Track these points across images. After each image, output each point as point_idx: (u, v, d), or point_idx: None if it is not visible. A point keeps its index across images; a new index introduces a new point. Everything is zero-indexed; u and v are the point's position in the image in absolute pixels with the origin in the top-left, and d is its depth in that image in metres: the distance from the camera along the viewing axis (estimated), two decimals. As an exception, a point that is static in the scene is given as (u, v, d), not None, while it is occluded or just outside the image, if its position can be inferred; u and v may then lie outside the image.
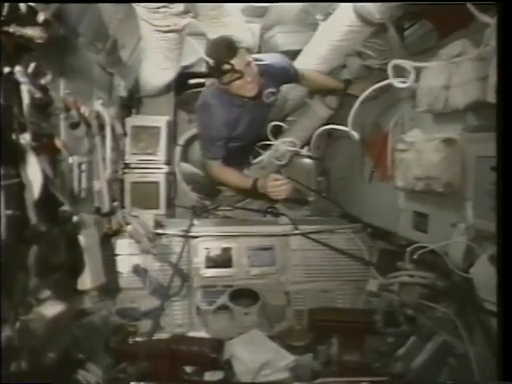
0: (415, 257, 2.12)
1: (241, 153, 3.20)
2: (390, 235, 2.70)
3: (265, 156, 3.45)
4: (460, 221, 1.93)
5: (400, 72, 1.91)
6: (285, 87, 3.22)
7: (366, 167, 2.96)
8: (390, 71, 1.79)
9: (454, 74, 1.86)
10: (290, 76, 2.89)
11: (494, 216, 1.69)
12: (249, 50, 2.44)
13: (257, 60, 2.59)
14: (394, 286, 2.36)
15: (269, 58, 2.79)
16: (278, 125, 3.13)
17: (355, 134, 2.17)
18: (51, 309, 1.48)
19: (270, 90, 2.71)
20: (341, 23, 2.41)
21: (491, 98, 1.61)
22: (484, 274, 1.72)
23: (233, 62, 2.32)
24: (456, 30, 1.97)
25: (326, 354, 2.47)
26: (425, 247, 2.08)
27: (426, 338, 2.19)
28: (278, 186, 2.38)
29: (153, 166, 3.30)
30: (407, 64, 1.76)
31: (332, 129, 2.59)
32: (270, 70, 2.69)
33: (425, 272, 2.17)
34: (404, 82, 1.85)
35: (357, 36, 2.43)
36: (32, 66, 1.39)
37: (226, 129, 2.72)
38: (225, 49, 2.33)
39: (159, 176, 3.33)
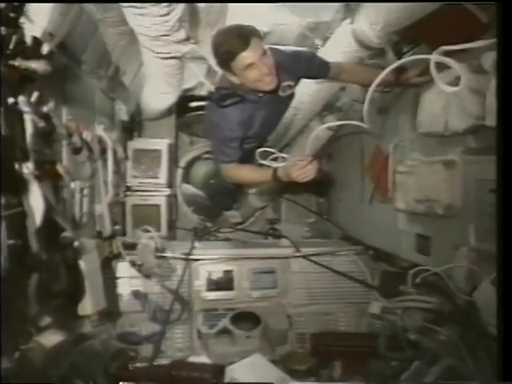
0: (418, 280, 2.11)
1: (254, 154, 2.84)
2: (391, 257, 2.69)
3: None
4: (462, 243, 1.93)
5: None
6: (288, 115, 3.06)
7: (367, 189, 2.97)
8: (432, 69, 1.67)
9: (452, 97, 1.88)
10: (314, 70, 2.51)
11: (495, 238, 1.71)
12: (262, 38, 2.11)
13: (273, 50, 2.28)
14: (397, 309, 2.34)
15: (287, 49, 2.48)
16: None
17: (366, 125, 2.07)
18: (51, 338, 1.47)
19: (287, 82, 2.41)
20: (339, 47, 2.44)
21: (490, 121, 1.63)
22: (487, 298, 1.71)
23: (245, 53, 2.02)
24: (454, 54, 1.99)
25: (329, 378, 2.44)
26: (428, 270, 2.08)
27: (430, 362, 2.16)
28: (303, 168, 2.08)
29: (154, 189, 3.31)
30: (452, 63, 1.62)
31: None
32: (287, 62, 2.37)
33: (428, 296, 2.15)
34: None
35: (355, 60, 2.45)
36: (35, 95, 1.40)
37: (240, 128, 2.44)
38: (236, 39, 2.03)
39: (160, 199, 3.34)
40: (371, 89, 1.89)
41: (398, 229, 2.50)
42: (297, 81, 2.54)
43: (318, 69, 2.50)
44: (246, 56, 2.03)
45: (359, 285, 2.85)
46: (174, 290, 2.71)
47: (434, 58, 1.52)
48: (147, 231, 2.73)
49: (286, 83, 2.40)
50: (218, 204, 3.87)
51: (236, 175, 2.61)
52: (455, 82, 1.82)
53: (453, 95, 1.86)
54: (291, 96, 2.60)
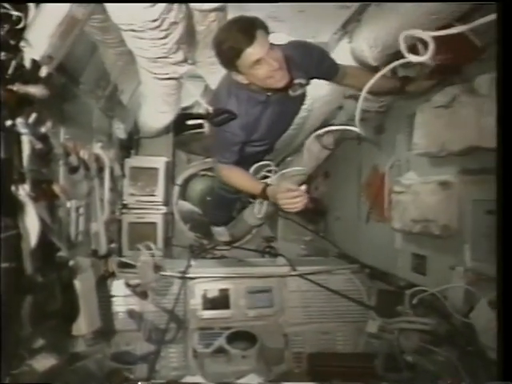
0: (415, 301, 2.10)
1: (260, 157, 2.74)
2: (387, 276, 2.69)
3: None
4: (458, 264, 1.93)
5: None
6: (297, 120, 2.84)
7: (363, 208, 2.97)
8: (402, 44, 1.63)
9: (448, 119, 1.90)
10: (324, 69, 2.27)
11: (493, 259, 1.71)
12: (268, 30, 1.89)
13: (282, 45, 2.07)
14: (394, 329, 2.33)
15: (296, 41, 2.22)
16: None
17: (361, 131, 2.02)
18: (43, 362, 1.45)
19: (299, 80, 2.17)
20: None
21: (486, 142, 1.65)
22: (484, 319, 1.71)
23: (251, 49, 1.81)
24: (449, 76, 2.02)
25: (327, 399, 2.41)
26: (424, 291, 2.07)
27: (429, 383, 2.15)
28: (292, 198, 1.93)
29: (151, 207, 3.31)
30: (424, 35, 1.54)
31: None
32: (298, 56, 2.11)
33: (425, 317, 2.14)
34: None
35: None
36: (33, 116, 1.41)
37: (243, 132, 2.24)
38: (240, 34, 1.83)
39: (157, 216, 3.33)
40: (364, 91, 1.85)
41: (394, 248, 2.51)
42: (308, 79, 2.29)
43: (327, 68, 2.29)
44: (253, 52, 1.83)
45: (356, 303, 2.84)
46: (169, 309, 2.69)
47: (405, 34, 1.47)
48: (149, 248, 2.72)
49: (297, 81, 2.19)
50: (211, 217, 3.80)
51: (228, 177, 2.46)
52: (451, 101, 1.86)
53: (449, 116, 1.88)
54: (302, 96, 2.38)
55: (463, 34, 1.81)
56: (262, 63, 1.88)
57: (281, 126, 2.52)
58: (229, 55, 1.89)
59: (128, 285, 2.70)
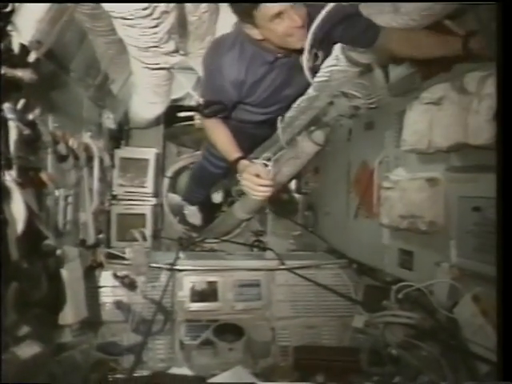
0: (400, 296, 2.12)
1: (261, 134, 2.48)
2: (375, 271, 2.71)
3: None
4: (444, 260, 1.95)
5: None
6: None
7: (352, 203, 2.99)
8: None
9: (436, 116, 1.91)
10: (358, 30, 1.83)
11: (477, 255, 1.73)
12: None
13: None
14: (379, 324, 2.35)
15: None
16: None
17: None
18: (27, 350, 1.44)
19: (316, 51, 1.86)
20: (328, 63, 2.46)
21: (473, 140, 1.67)
22: (468, 314, 1.74)
23: None
24: (438, 73, 2.04)
25: (311, 393, 2.43)
26: (410, 286, 2.09)
27: (411, 378, 2.17)
28: (256, 185, 1.76)
29: (140, 198, 3.30)
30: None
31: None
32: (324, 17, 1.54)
33: (410, 312, 2.16)
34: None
35: (343, 76, 2.48)
36: (21, 102, 1.40)
37: (235, 91, 2.00)
38: None
39: (146, 208, 3.32)
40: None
41: (381, 243, 2.52)
42: (328, 50, 1.94)
43: (364, 31, 1.83)
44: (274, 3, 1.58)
45: (343, 298, 2.86)
46: (157, 300, 2.69)
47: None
48: (143, 235, 2.74)
49: (314, 51, 1.87)
50: (187, 193, 3.69)
51: (211, 131, 2.22)
52: (440, 99, 1.87)
53: (437, 113, 1.89)
54: (313, 72, 2.00)
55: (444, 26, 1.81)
56: (283, 17, 1.65)
57: (282, 97, 2.25)
58: (245, 5, 1.66)
59: (116, 276, 2.69)
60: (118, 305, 2.67)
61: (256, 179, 1.79)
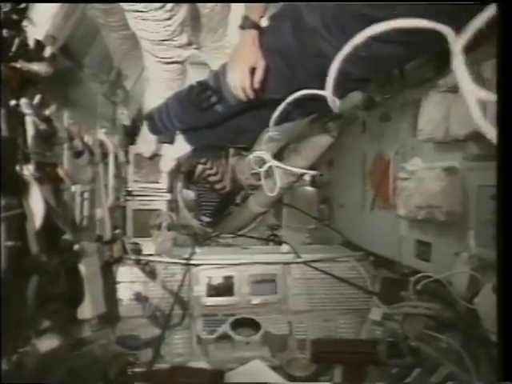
0: (419, 287, 2.10)
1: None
2: (392, 263, 2.68)
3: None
4: (463, 250, 1.92)
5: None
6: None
7: (368, 195, 2.96)
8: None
9: (453, 104, 1.88)
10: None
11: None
12: None
13: None
14: (397, 316, 2.34)
15: None
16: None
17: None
18: (47, 342, 1.46)
19: None
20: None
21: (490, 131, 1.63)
22: (488, 305, 1.70)
23: None
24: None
25: (329, 385, 2.43)
26: (429, 277, 2.07)
27: (431, 370, 2.14)
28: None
29: (155, 194, 3.30)
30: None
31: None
32: None
33: (429, 303, 2.14)
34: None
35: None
36: (37, 97, 1.41)
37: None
38: None
39: (161, 203, 3.33)
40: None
41: (398, 235, 2.50)
42: None
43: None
44: None
45: (360, 291, 2.84)
46: (175, 292, 2.71)
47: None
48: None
49: None
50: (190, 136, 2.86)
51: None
52: (457, 87, 1.84)
53: (454, 101, 1.87)
54: None
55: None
56: None
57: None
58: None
59: (138, 262, 2.73)
60: (137, 297, 2.70)
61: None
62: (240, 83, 1.73)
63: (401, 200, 2.28)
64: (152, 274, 2.75)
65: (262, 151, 2.65)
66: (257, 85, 1.73)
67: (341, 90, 1.63)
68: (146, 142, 3.05)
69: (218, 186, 4.11)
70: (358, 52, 1.31)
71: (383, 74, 2.27)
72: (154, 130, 2.82)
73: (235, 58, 1.75)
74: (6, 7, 1.14)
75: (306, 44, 1.68)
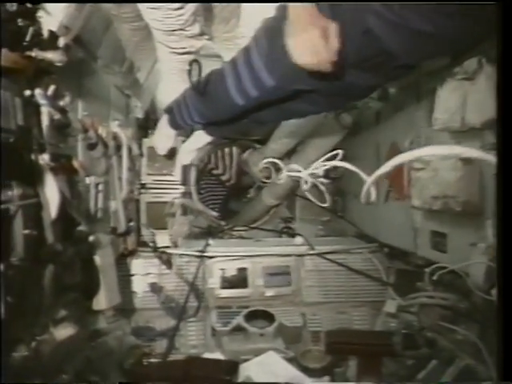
0: (435, 277, 2.08)
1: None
2: (407, 255, 2.66)
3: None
4: (480, 240, 1.89)
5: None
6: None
7: (382, 186, 2.94)
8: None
9: (469, 91, 1.85)
10: None
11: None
12: None
13: None
14: (413, 308, 2.31)
15: None
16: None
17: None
18: (62, 331, 1.47)
19: None
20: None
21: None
22: (506, 295, 1.68)
23: None
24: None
25: (344, 377, 2.42)
26: (445, 268, 2.04)
27: (447, 362, 2.12)
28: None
29: (168, 186, 3.32)
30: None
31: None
32: None
33: (445, 293, 2.12)
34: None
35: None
36: (51, 88, 1.41)
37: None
38: None
39: (175, 196, 3.34)
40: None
41: (413, 226, 2.47)
42: None
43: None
44: None
45: (374, 283, 2.83)
46: (190, 281, 2.74)
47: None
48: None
49: None
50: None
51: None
52: (474, 74, 1.81)
53: (470, 88, 1.83)
54: None
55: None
56: None
57: None
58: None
59: (155, 249, 2.77)
60: (152, 287, 2.72)
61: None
62: (313, 51, 1.33)
63: (416, 190, 2.25)
64: (168, 263, 2.77)
65: (297, 165, 2.51)
66: (334, 52, 1.35)
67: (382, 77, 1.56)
68: (164, 137, 2.92)
69: (223, 178, 4.14)
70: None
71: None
72: (175, 124, 2.65)
73: (296, 23, 1.34)
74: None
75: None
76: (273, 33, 1.56)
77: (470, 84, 1.84)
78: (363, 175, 1.77)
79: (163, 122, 2.77)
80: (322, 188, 2.40)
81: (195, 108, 2.31)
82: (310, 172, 2.27)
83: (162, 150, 3.06)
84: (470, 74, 1.82)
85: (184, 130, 2.86)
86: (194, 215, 3.47)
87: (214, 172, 4.15)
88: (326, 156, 2.24)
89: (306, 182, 2.30)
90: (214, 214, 3.95)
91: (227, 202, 4.23)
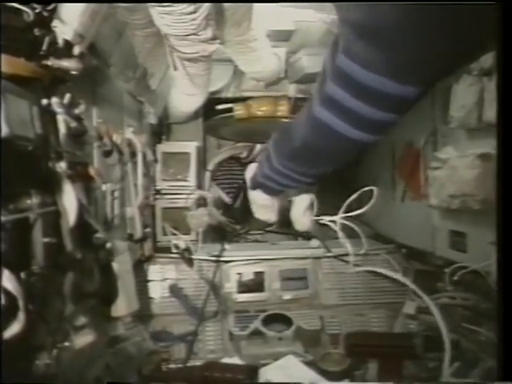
0: (456, 278, 2.05)
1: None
2: (425, 255, 2.63)
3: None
4: (500, 238, 1.86)
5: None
6: None
7: (398, 186, 2.91)
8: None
9: (486, 88, 1.82)
10: None
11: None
12: None
13: None
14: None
15: None
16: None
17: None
18: (82, 339, 1.48)
19: None
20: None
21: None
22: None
23: None
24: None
25: (364, 380, 2.39)
26: (466, 267, 2.01)
27: (471, 364, 2.08)
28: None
29: (183, 192, 3.32)
30: None
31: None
32: None
33: (466, 293, 2.08)
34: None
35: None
36: (67, 96, 1.42)
37: None
38: None
39: (189, 201, 3.35)
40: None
41: (431, 226, 2.44)
42: None
43: None
44: None
45: (392, 284, 2.79)
46: (210, 279, 2.75)
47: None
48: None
49: None
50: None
51: None
52: (491, 69, 1.78)
53: (487, 84, 1.81)
54: None
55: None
56: None
57: None
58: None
59: (177, 247, 2.78)
60: (172, 289, 2.73)
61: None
62: None
63: (433, 189, 2.23)
64: (190, 261, 2.79)
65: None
66: None
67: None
68: (265, 209, 2.67)
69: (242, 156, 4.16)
70: None
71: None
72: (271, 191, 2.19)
73: None
74: (38, 8, 1.16)
75: None
76: None
77: (487, 80, 1.82)
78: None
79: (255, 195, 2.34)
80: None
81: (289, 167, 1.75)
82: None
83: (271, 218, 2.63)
84: (486, 70, 1.79)
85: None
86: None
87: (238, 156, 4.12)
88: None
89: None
90: (227, 199, 3.93)
91: (243, 189, 4.19)
